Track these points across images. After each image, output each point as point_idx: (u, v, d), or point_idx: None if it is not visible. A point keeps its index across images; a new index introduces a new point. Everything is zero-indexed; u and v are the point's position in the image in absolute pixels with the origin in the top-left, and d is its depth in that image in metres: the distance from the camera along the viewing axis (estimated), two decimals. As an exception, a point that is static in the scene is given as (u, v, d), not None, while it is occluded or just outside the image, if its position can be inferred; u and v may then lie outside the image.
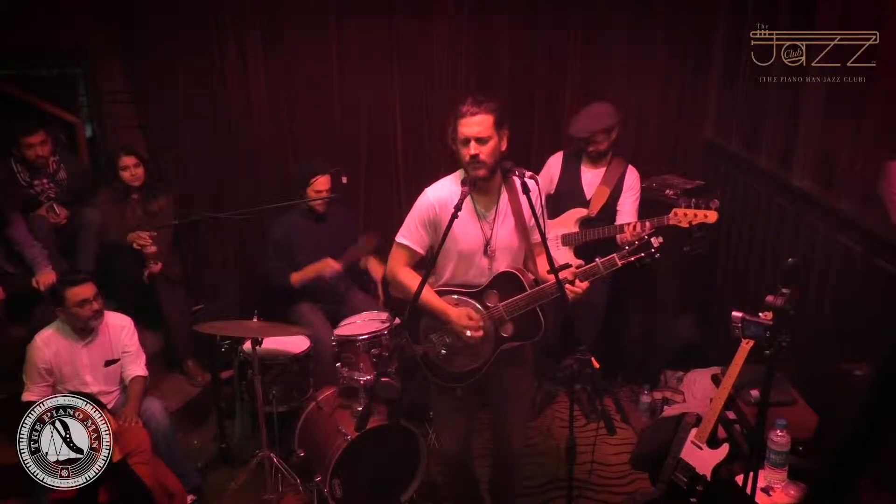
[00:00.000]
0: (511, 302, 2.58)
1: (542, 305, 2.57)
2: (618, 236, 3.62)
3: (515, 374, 2.79)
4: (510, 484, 3.11)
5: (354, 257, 3.99)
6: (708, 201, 3.44)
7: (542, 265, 2.64)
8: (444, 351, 2.69)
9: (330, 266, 3.88)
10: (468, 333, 2.57)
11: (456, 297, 2.65)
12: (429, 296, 2.60)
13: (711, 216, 3.40)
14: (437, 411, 2.94)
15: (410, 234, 2.62)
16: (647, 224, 3.53)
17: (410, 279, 2.62)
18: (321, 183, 3.88)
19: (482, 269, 2.62)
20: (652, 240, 2.52)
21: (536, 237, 2.64)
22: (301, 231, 3.95)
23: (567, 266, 2.58)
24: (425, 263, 2.66)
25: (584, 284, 2.50)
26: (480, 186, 2.56)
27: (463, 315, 2.57)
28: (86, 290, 3.19)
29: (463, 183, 2.49)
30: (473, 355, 2.67)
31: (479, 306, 2.62)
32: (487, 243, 2.59)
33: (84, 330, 3.26)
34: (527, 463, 3.63)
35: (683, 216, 3.44)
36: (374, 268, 4.01)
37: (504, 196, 2.61)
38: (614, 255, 2.53)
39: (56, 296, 3.23)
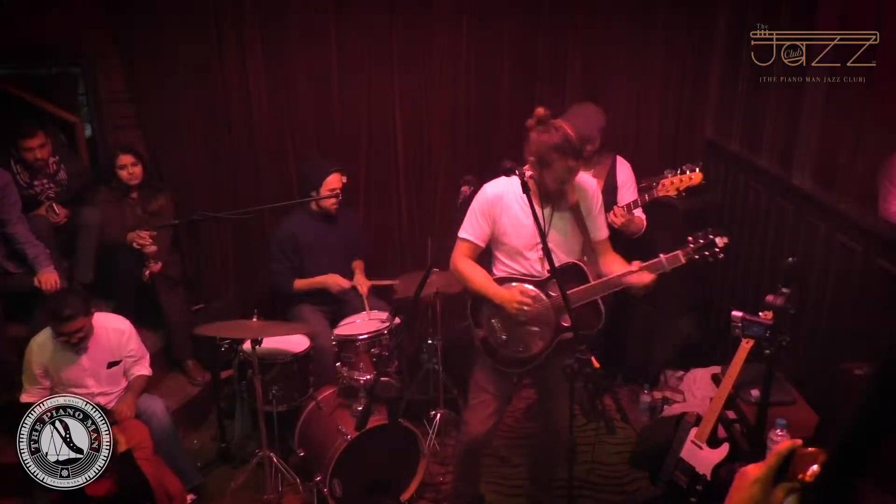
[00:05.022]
0: (573, 292, 2.62)
1: (602, 298, 2.66)
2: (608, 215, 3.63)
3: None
4: (553, 470, 3.22)
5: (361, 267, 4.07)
6: (693, 165, 3.45)
7: (604, 263, 2.76)
8: (504, 336, 2.76)
9: (337, 283, 3.88)
10: (524, 309, 2.65)
11: (516, 284, 2.73)
12: (483, 281, 2.74)
13: (696, 177, 3.41)
14: (477, 394, 2.95)
15: (472, 229, 2.76)
16: (636, 200, 3.61)
17: (470, 270, 2.77)
18: (334, 180, 3.87)
19: (534, 264, 2.73)
20: (717, 239, 2.56)
21: (600, 235, 2.78)
22: (309, 232, 3.94)
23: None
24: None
25: (651, 276, 2.58)
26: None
27: (515, 293, 2.66)
28: (73, 326, 3.14)
29: (523, 189, 2.51)
30: (533, 342, 2.74)
31: (540, 294, 2.69)
32: (540, 241, 2.63)
33: (76, 348, 3.25)
34: (526, 462, 3.64)
35: (670, 184, 3.44)
36: (361, 280, 3.98)
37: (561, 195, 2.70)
38: (678, 251, 2.59)
39: (48, 325, 3.22)
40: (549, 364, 2.82)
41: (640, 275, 2.59)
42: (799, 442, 1.00)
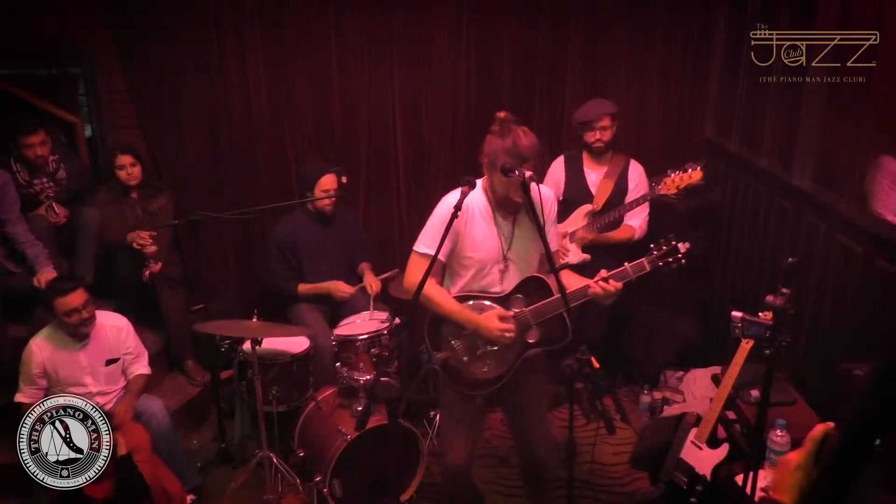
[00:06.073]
0: (537, 307, 2.56)
1: (569, 310, 2.52)
2: (636, 233, 3.75)
3: (533, 381, 2.76)
4: (542, 483, 3.08)
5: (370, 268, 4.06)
6: (695, 164, 3.51)
7: (565, 271, 2.64)
8: (465, 357, 2.66)
9: (341, 290, 3.89)
10: (507, 335, 2.53)
11: (481, 303, 2.62)
12: (454, 306, 2.59)
13: (696, 175, 3.49)
14: (446, 420, 2.88)
15: (433, 242, 2.52)
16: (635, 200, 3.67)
17: (438, 293, 2.61)
18: (328, 181, 3.86)
19: (495, 278, 2.62)
20: (679, 245, 2.52)
21: (553, 246, 2.64)
22: (307, 233, 3.93)
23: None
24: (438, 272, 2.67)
25: (618, 285, 2.49)
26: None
27: (493, 318, 2.54)
28: (74, 299, 3.14)
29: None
30: (497, 361, 2.64)
31: (501, 309, 2.60)
32: (503, 253, 2.59)
33: (76, 335, 3.24)
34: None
35: (671, 182, 3.51)
36: (371, 281, 3.95)
37: (522, 205, 2.61)
38: (643, 259, 2.53)
39: (45, 303, 3.22)
40: (518, 384, 2.71)
41: (603, 285, 2.49)
42: (831, 425, 1.02)
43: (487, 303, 2.62)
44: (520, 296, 2.59)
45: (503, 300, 2.61)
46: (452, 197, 2.53)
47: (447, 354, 2.67)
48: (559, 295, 2.49)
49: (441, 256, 2.53)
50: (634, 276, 2.52)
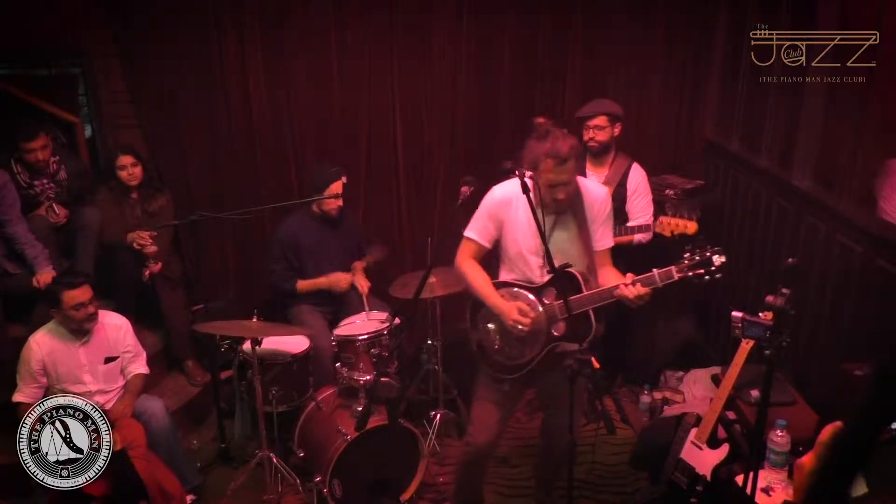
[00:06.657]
0: (566, 302, 2.59)
1: (596, 309, 2.61)
2: (635, 237, 3.70)
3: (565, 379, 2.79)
4: (555, 472, 3.19)
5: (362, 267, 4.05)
6: (691, 212, 3.48)
7: (602, 275, 2.70)
8: (496, 342, 2.77)
9: (339, 282, 3.90)
10: (518, 328, 2.62)
11: (515, 290, 2.73)
12: (485, 289, 2.72)
13: (691, 227, 3.44)
14: (477, 400, 2.96)
15: (477, 229, 2.75)
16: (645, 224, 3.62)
17: (471, 271, 2.76)
18: (338, 186, 3.88)
19: (534, 270, 2.71)
20: (714, 258, 2.41)
21: (601, 245, 2.72)
22: (310, 234, 3.93)
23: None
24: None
25: (644, 290, 2.48)
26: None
27: (513, 309, 2.63)
28: (82, 294, 3.17)
29: (524, 190, 2.51)
30: (524, 349, 2.72)
31: (532, 298, 2.69)
32: (540, 248, 2.63)
33: (79, 331, 3.25)
34: (526, 463, 3.64)
35: (667, 225, 3.50)
36: (360, 281, 3.99)
37: (566, 206, 2.67)
38: (672, 267, 2.47)
39: (52, 297, 3.22)
40: (548, 379, 2.80)
41: (630, 288, 2.50)
42: (839, 424, 1.02)
43: (523, 291, 2.71)
44: (553, 289, 2.65)
45: (538, 290, 2.69)
46: (498, 189, 2.72)
47: (481, 336, 2.80)
48: (589, 293, 2.59)
49: (486, 243, 2.75)
50: (662, 284, 2.48)
